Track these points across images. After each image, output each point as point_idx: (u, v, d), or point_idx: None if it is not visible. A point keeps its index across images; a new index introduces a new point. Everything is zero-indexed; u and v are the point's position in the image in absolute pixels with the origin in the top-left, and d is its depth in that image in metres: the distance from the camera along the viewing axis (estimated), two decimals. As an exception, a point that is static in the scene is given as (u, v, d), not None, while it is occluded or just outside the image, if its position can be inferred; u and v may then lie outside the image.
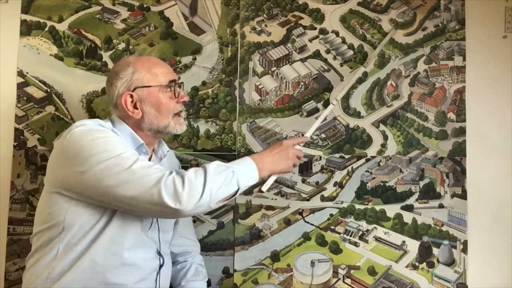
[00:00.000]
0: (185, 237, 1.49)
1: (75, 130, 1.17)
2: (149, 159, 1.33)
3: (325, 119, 1.57)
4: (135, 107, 1.28)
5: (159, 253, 1.30)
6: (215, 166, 1.16)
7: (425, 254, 1.68)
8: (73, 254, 1.17)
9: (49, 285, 1.16)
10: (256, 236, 1.69)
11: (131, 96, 1.27)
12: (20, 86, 1.73)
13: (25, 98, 1.72)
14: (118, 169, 1.11)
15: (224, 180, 1.14)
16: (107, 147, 1.14)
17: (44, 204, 1.24)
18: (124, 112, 1.28)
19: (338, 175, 1.72)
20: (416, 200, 1.70)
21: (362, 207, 1.70)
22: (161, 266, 1.30)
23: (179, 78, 1.36)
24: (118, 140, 1.19)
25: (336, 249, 1.69)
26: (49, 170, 1.24)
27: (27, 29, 1.74)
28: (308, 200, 1.71)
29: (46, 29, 1.75)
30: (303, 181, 1.72)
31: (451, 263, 1.67)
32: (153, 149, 1.36)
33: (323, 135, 1.73)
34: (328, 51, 1.76)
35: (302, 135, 1.69)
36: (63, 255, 1.17)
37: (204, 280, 1.47)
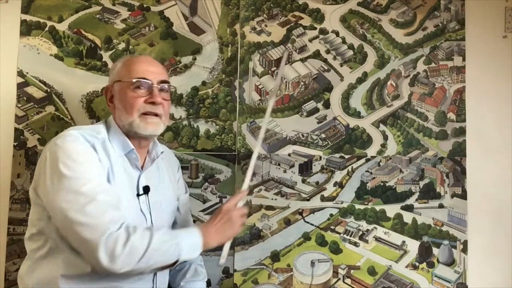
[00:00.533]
0: None
1: (58, 143, 1.17)
2: (144, 161, 1.33)
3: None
4: (111, 100, 1.30)
5: None
6: (161, 234, 1.15)
7: (425, 254, 1.68)
8: (63, 257, 1.17)
9: (43, 287, 1.17)
10: (256, 236, 1.69)
11: (110, 90, 1.31)
12: (20, 86, 1.73)
13: (25, 98, 1.72)
14: (71, 205, 1.11)
15: (166, 250, 1.13)
16: (75, 174, 1.13)
17: (32, 209, 1.24)
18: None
19: (338, 175, 1.72)
20: (416, 200, 1.70)
21: (362, 207, 1.70)
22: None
23: (167, 81, 1.31)
24: (91, 162, 1.17)
25: (336, 249, 1.69)
26: (35, 175, 1.24)
27: (27, 29, 1.74)
28: (308, 200, 1.71)
29: (46, 29, 1.75)
30: (303, 181, 1.72)
31: (451, 263, 1.67)
32: (148, 150, 1.36)
33: (323, 135, 1.73)
34: (328, 51, 1.76)
35: (302, 135, 1.70)
36: (55, 258, 1.17)
37: (204, 280, 1.47)
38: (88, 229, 1.08)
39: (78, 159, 1.15)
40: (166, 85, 1.30)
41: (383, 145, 1.72)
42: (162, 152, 1.38)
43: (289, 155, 1.72)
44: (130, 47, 1.75)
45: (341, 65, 1.76)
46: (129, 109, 1.26)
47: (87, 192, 1.11)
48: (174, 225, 1.45)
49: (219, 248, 1.65)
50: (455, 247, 1.67)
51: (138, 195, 1.28)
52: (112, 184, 1.20)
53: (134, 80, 1.26)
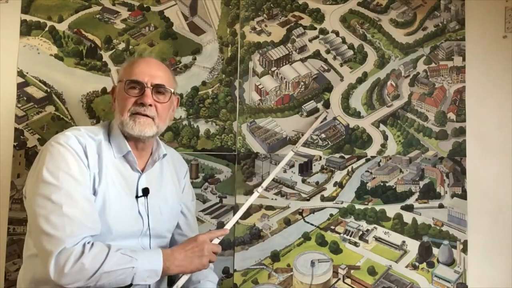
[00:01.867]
0: None
1: (51, 147, 1.19)
2: (146, 162, 1.33)
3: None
4: (115, 100, 1.34)
5: None
6: (118, 256, 1.13)
7: (425, 254, 1.68)
8: None
9: (36, 286, 1.18)
10: (256, 236, 1.69)
11: (114, 90, 1.35)
12: (20, 86, 1.73)
13: (25, 98, 1.72)
14: (40, 211, 1.13)
15: (119, 274, 1.12)
16: (53, 181, 1.14)
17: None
18: None
19: (338, 175, 1.72)
20: (416, 200, 1.70)
21: (362, 207, 1.70)
22: None
23: (161, 84, 1.30)
24: (74, 172, 1.17)
25: (336, 249, 1.69)
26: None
27: (27, 29, 1.74)
28: (308, 200, 1.71)
29: (46, 29, 1.75)
30: (303, 181, 1.72)
31: (451, 263, 1.67)
32: (151, 152, 1.36)
33: (323, 135, 1.73)
34: (328, 51, 1.76)
35: (302, 135, 1.70)
36: None
37: (215, 282, 1.46)
38: (46, 239, 1.10)
39: (62, 167, 1.16)
40: (161, 88, 1.29)
41: (383, 145, 1.72)
42: (165, 155, 1.38)
43: (289, 155, 1.72)
44: (130, 47, 1.75)
45: (341, 65, 1.76)
46: (122, 109, 1.28)
47: (55, 200, 1.12)
48: (179, 229, 1.45)
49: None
50: (455, 247, 1.67)
51: (137, 197, 1.28)
52: (99, 188, 1.21)
53: (128, 81, 1.27)
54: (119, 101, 1.30)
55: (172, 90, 1.33)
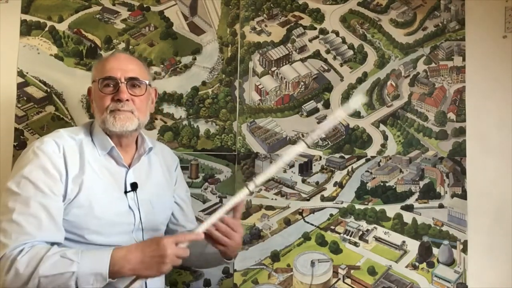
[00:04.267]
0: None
1: (23, 153, 1.22)
2: (132, 157, 1.33)
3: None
4: (92, 101, 1.33)
5: None
6: (56, 259, 1.08)
7: (425, 254, 1.68)
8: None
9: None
10: (256, 236, 1.69)
11: (90, 91, 1.35)
12: (20, 86, 1.73)
13: (25, 98, 1.72)
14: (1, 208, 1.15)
15: (57, 278, 1.06)
16: (17, 190, 1.14)
17: None
18: None
19: (338, 175, 1.72)
20: (416, 200, 1.70)
21: (362, 207, 1.70)
22: None
23: (135, 77, 1.28)
24: (33, 179, 1.16)
25: (336, 249, 1.69)
26: None
27: (27, 29, 1.74)
28: (308, 200, 1.71)
29: (46, 29, 1.75)
30: (303, 181, 1.72)
31: (451, 263, 1.67)
32: (137, 147, 1.36)
33: (323, 135, 1.73)
34: (328, 51, 1.76)
35: (302, 135, 1.70)
36: None
37: None
38: None
39: (25, 174, 1.16)
40: (136, 81, 1.28)
41: (383, 145, 1.72)
42: (150, 148, 1.37)
43: (289, 155, 1.72)
44: (130, 47, 1.75)
45: (341, 65, 1.76)
46: (100, 108, 1.28)
47: (10, 207, 1.13)
48: (174, 221, 1.45)
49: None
50: (455, 247, 1.67)
51: (126, 192, 1.28)
52: (82, 187, 1.20)
53: (101, 79, 1.27)
54: (96, 101, 1.29)
55: (147, 82, 1.31)
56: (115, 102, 1.26)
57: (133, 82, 1.28)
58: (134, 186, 1.29)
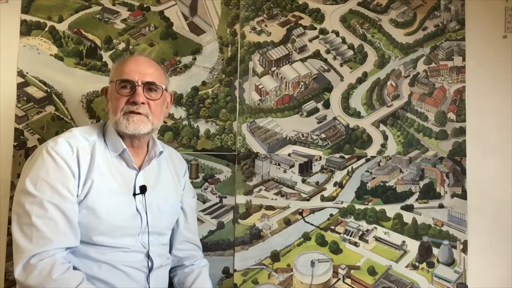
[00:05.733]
0: (190, 242, 1.48)
1: (38, 153, 1.22)
2: (143, 160, 1.34)
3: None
4: (108, 101, 1.34)
5: (148, 256, 1.29)
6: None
7: (425, 254, 1.68)
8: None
9: None
10: (256, 236, 1.69)
11: (107, 91, 1.35)
12: (20, 86, 1.72)
13: (25, 98, 1.72)
14: (13, 217, 1.18)
15: None
16: (33, 191, 1.16)
17: None
18: None
19: (338, 175, 1.72)
20: (416, 200, 1.70)
21: (362, 207, 1.70)
22: (150, 269, 1.30)
23: (152, 82, 1.30)
24: (50, 181, 1.18)
25: (336, 249, 1.69)
26: None
27: (27, 29, 1.74)
28: (308, 200, 1.71)
29: (46, 29, 1.75)
30: (303, 181, 1.72)
31: (451, 263, 1.67)
32: (148, 149, 1.36)
33: (323, 135, 1.73)
34: (328, 51, 1.76)
35: (302, 135, 1.70)
36: None
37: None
38: (15, 248, 1.16)
39: (42, 176, 1.18)
40: (153, 86, 1.30)
41: (383, 145, 1.72)
42: (161, 152, 1.38)
43: (289, 155, 1.72)
44: (130, 47, 1.75)
45: (341, 65, 1.76)
46: (115, 109, 1.28)
47: (27, 209, 1.15)
48: (178, 228, 1.45)
49: (220, 248, 1.65)
50: (455, 247, 1.67)
51: (134, 194, 1.28)
52: (92, 188, 1.21)
53: (118, 81, 1.28)
54: (112, 101, 1.30)
55: (164, 87, 1.33)
56: (130, 104, 1.27)
57: (150, 86, 1.29)
58: (143, 189, 1.29)
